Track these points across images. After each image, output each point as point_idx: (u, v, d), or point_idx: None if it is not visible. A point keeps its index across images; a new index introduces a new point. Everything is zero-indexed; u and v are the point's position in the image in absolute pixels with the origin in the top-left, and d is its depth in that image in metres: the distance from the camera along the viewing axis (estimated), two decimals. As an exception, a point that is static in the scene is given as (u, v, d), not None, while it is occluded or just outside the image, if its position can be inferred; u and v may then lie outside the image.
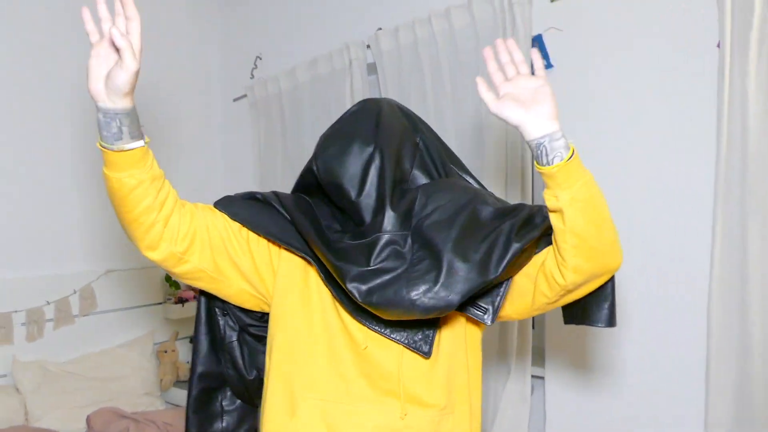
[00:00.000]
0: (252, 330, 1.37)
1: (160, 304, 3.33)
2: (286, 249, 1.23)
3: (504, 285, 1.17)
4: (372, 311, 1.10)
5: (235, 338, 1.38)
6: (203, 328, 1.38)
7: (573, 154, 1.01)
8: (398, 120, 1.26)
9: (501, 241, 1.08)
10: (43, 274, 2.84)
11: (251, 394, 1.40)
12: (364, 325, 1.15)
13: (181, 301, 3.29)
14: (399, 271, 1.10)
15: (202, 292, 1.34)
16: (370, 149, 1.18)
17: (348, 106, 2.83)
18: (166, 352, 3.24)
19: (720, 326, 1.88)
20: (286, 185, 3.23)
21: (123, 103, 1.01)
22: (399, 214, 1.15)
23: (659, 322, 2.08)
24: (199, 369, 1.37)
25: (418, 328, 1.16)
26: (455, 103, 2.48)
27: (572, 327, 2.22)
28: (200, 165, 3.62)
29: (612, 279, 1.15)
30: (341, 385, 1.15)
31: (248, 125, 3.50)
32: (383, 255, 1.12)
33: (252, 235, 1.23)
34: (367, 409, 1.14)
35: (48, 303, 2.82)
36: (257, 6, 3.49)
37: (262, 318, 1.36)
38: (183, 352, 3.42)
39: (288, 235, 1.19)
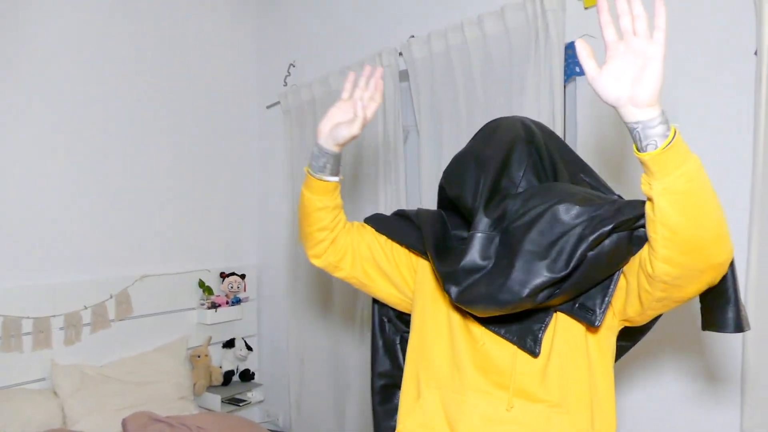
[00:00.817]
0: (406, 336, 1.57)
1: (194, 309, 3.37)
2: (417, 255, 1.43)
3: (611, 286, 1.17)
4: (465, 309, 1.20)
5: (398, 341, 1.60)
6: (377, 332, 1.61)
7: (671, 141, 0.96)
8: (512, 132, 1.32)
9: (574, 237, 1.10)
10: (80, 279, 2.90)
11: None
12: (480, 324, 1.25)
13: (214, 306, 3.34)
14: (485, 270, 1.18)
15: (374, 301, 1.60)
16: (483, 161, 1.29)
17: (379, 112, 2.84)
18: (199, 356, 3.28)
19: (756, 332, 1.84)
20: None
21: (335, 149, 1.35)
22: (492, 218, 1.23)
23: (695, 328, 2.03)
24: (378, 368, 1.59)
25: (529, 328, 1.21)
26: (487, 110, 2.46)
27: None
28: (235, 170, 3.66)
29: (731, 278, 1.10)
30: (457, 375, 1.26)
31: (281, 132, 3.53)
32: (474, 254, 1.20)
33: (395, 245, 1.46)
34: (477, 399, 1.23)
35: (85, 307, 2.88)
36: (292, 14, 3.53)
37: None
38: (216, 357, 3.46)
39: (420, 244, 1.38)
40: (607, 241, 1.10)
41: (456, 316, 1.30)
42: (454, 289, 1.18)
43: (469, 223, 1.31)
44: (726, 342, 1.97)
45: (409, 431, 1.31)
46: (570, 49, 2.27)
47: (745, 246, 1.88)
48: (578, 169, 1.33)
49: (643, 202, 1.07)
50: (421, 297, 1.39)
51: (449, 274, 1.21)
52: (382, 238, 1.47)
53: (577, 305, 1.19)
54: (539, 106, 2.26)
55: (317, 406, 3.30)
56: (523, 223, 1.16)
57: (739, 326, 1.13)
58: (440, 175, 2.61)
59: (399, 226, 1.45)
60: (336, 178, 1.37)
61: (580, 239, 1.09)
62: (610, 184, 2.10)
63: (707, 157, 1.99)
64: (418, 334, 1.37)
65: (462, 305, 1.18)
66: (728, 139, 1.95)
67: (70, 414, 2.62)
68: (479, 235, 1.21)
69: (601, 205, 1.12)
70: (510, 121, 1.36)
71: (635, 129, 0.98)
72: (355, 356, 3.07)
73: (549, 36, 2.24)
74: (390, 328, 1.60)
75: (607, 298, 1.17)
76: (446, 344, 1.30)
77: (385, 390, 1.59)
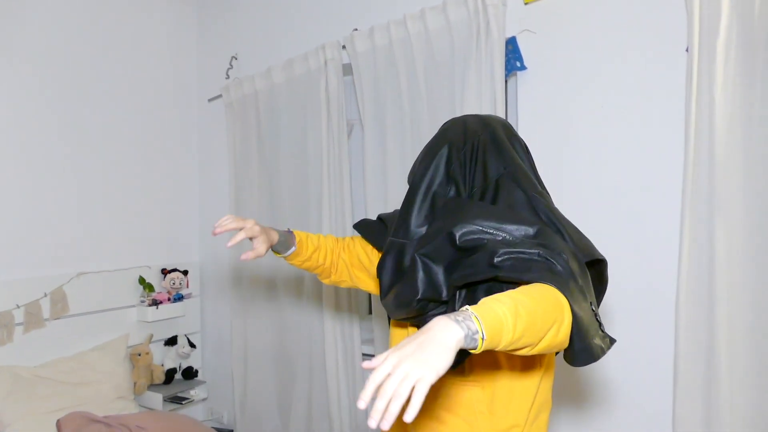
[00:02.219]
0: None
1: (134, 306, 3.29)
2: None
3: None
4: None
5: None
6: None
7: (481, 331, 0.86)
8: (449, 132, 1.38)
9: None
10: (12, 278, 2.79)
11: None
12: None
13: (156, 303, 3.26)
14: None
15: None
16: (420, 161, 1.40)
17: (323, 106, 2.83)
18: (140, 355, 3.21)
19: (687, 324, 1.92)
20: (260, 185, 3.22)
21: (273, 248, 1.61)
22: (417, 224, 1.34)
23: (628, 320, 2.10)
24: None
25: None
26: (430, 103, 2.48)
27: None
28: (176, 164, 3.58)
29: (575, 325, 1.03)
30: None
31: (223, 125, 3.48)
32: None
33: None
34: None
35: (18, 306, 2.78)
36: (234, 5, 3.47)
37: None
38: (157, 355, 3.39)
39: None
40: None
41: None
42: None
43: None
44: (659, 333, 2.04)
45: None
46: (511, 44, 2.31)
47: (676, 241, 1.95)
48: (507, 174, 1.30)
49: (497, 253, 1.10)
50: None
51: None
52: (369, 246, 1.65)
53: None
54: (481, 100, 2.29)
55: (262, 403, 3.27)
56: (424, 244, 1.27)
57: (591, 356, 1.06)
58: (384, 168, 2.63)
59: (379, 231, 1.59)
60: (292, 249, 1.60)
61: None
62: (550, 176, 2.16)
63: (639, 150, 2.06)
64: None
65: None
66: (660, 134, 2.02)
67: (3, 417, 2.52)
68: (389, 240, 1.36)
69: (470, 250, 1.17)
70: (453, 121, 1.43)
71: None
72: (300, 352, 3.05)
73: (490, 31, 2.27)
74: None
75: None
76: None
77: None
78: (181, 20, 3.63)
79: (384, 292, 1.32)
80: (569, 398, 2.24)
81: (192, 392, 3.39)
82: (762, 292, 1.81)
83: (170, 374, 3.34)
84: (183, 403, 3.29)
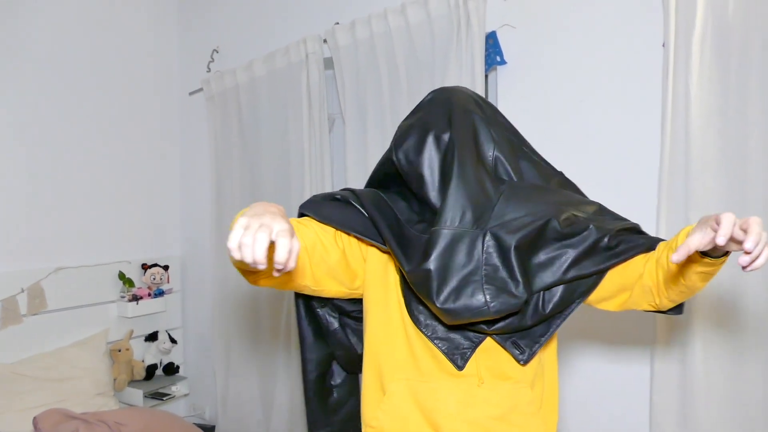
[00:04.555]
0: (354, 314, 1.49)
1: (114, 302, 3.26)
2: (369, 245, 1.30)
3: (549, 331, 1.23)
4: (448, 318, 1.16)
5: (337, 324, 1.49)
6: (305, 323, 1.49)
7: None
8: (469, 107, 1.30)
9: (553, 268, 1.19)
10: (-12, 273, 2.75)
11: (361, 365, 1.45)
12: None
13: (136, 298, 3.24)
14: (476, 275, 1.14)
15: (301, 296, 1.47)
16: (446, 138, 1.23)
17: (304, 100, 2.81)
18: (120, 351, 3.18)
19: (663, 317, 1.94)
20: (242, 178, 3.20)
21: None
22: (464, 211, 1.17)
23: (605, 317, 2.12)
24: (311, 356, 1.50)
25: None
26: (410, 97, 2.48)
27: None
28: (157, 157, 3.55)
29: None
30: (418, 366, 1.25)
31: (204, 119, 3.45)
32: (447, 253, 1.15)
33: (343, 236, 1.30)
34: (450, 384, 1.23)
35: (-6, 302, 2.74)
36: (214, -2, 3.45)
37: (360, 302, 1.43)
38: (138, 351, 3.36)
39: (372, 232, 1.25)
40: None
41: (405, 308, 1.27)
42: (438, 297, 1.12)
43: (421, 204, 1.27)
44: (637, 325, 2.06)
45: (383, 428, 1.28)
46: (491, 38, 2.31)
47: (653, 232, 1.97)
48: (521, 143, 1.42)
49: (611, 233, 1.20)
50: (373, 287, 1.32)
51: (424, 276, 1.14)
52: (328, 234, 1.27)
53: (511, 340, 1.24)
54: (461, 94, 2.29)
55: (244, 398, 3.26)
56: (521, 234, 1.15)
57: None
58: (366, 162, 2.63)
59: (342, 213, 1.28)
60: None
61: (559, 272, 1.19)
62: None
63: (617, 144, 2.08)
64: (373, 329, 1.31)
65: (447, 315, 1.13)
66: (637, 128, 2.04)
67: (-22, 414, 2.49)
68: (445, 232, 1.15)
69: (585, 235, 1.20)
70: (460, 95, 1.33)
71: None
72: (282, 346, 3.04)
73: (470, 25, 2.27)
74: (325, 312, 1.48)
75: (538, 345, 1.23)
76: (403, 334, 1.27)
77: (320, 377, 1.52)
78: (162, 13, 3.59)
79: (451, 293, 1.13)
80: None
81: (173, 388, 3.37)
82: (734, 282, 1.83)
83: (151, 370, 3.32)
84: (164, 399, 3.27)
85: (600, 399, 2.15)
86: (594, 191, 2.12)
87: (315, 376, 1.51)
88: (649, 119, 2.00)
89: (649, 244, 1.22)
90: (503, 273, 1.14)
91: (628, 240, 1.23)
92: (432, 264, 1.12)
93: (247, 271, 1.08)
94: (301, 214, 1.31)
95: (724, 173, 1.83)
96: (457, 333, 1.23)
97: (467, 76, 2.28)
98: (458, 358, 1.22)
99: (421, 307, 1.23)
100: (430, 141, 1.24)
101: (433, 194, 1.23)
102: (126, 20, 3.38)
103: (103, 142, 3.25)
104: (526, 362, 1.22)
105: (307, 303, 1.48)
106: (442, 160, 1.23)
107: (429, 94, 1.37)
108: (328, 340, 1.50)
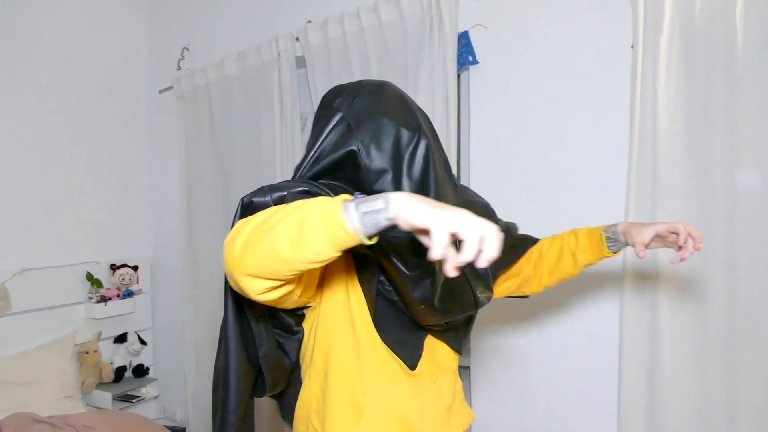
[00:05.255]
0: (290, 328, 1.27)
1: (82, 303, 3.20)
2: None
3: (473, 319, 1.41)
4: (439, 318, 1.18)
5: (267, 349, 1.22)
6: (233, 325, 1.20)
7: None
8: (417, 111, 1.26)
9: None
10: (-49, 274, 2.68)
11: (287, 381, 1.33)
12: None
13: (104, 299, 3.18)
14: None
15: (233, 299, 1.19)
16: (422, 142, 1.18)
17: (276, 99, 2.79)
18: (88, 353, 3.12)
19: (631, 312, 1.98)
20: (213, 178, 3.16)
21: None
22: None
23: (574, 313, 2.15)
24: (237, 370, 1.21)
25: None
26: (383, 98, 2.47)
27: (495, 318, 2.28)
28: (125, 156, 3.49)
29: None
30: (385, 371, 1.22)
31: (175, 117, 3.40)
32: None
33: None
34: (411, 386, 1.24)
35: (-43, 304, 2.67)
36: (184, -5, 3.40)
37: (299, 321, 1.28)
38: (107, 353, 3.31)
39: None
40: None
41: (366, 325, 1.20)
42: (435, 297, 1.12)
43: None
44: (603, 320, 2.09)
45: None
46: (463, 38, 2.32)
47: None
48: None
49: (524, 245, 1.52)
50: (334, 292, 1.21)
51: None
52: None
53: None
54: (433, 94, 2.29)
55: (215, 399, 3.22)
56: None
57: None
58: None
59: None
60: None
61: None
62: (502, 168, 2.24)
63: (586, 143, 2.10)
64: (337, 336, 1.21)
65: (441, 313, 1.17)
66: (606, 127, 2.07)
67: (-60, 419, 2.42)
68: None
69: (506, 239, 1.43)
70: (403, 94, 1.28)
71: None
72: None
73: (443, 25, 2.27)
74: (261, 327, 1.21)
75: (467, 334, 1.38)
76: (365, 340, 1.20)
77: (246, 405, 1.27)
78: (131, 9, 3.53)
79: (445, 292, 1.14)
80: (518, 387, 2.28)
81: (143, 390, 3.32)
82: (702, 278, 1.87)
83: (120, 372, 3.26)
84: (133, 401, 3.22)
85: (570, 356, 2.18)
86: (564, 190, 2.16)
87: (240, 392, 1.24)
88: (618, 119, 2.03)
89: (530, 241, 1.53)
90: (480, 272, 1.22)
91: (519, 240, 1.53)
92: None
93: (274, 279, 0.93)
94: (280, 200, 1.09)
95: (691, 171, 1.86)
96: (408, 334, 1.23)
97: (440, 75, 2.28)
98: (410, 358, 1.23)
99: (386, 311, 1.19)
100: (404, 140, 1.18)
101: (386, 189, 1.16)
102: (95, 16, 3.32)
103: (70, 140, 3.18)
104: (461, 350, 1.33)
105: (238, 310, 1.21)
106: (423, 168, 1.17)
107: (369, 82, 1.27)
108: (261, 358, 1.21)
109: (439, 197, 1.16)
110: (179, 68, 3.38)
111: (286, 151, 2.80)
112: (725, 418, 1.84)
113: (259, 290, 0.93)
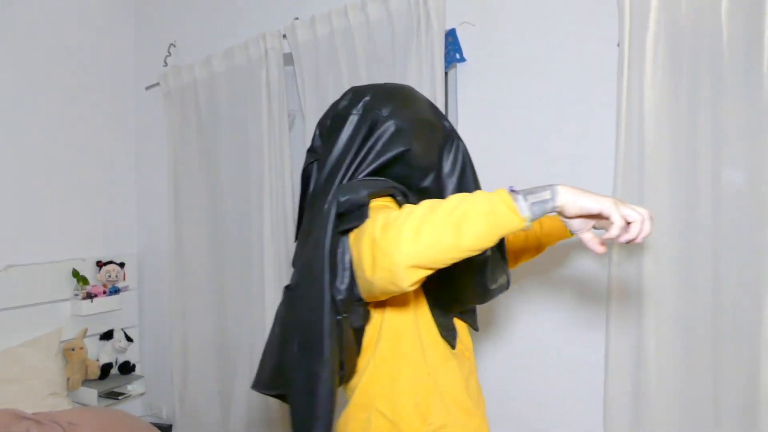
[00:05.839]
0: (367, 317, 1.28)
1: (68, 300, 3.18)
2: None
3: None
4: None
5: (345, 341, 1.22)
6: (328, 309, 1.13)
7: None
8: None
9: None
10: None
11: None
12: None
13: (90, 296, 3.17)
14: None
15: (331, 300, 1.13)
16: (451, 137, 1.31)
17: (264, 96, 2.79)
18: (73, 350, 3.11)
19: (618, 318, 2.00)
20: (201, 175, 3.16)
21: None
22: None
23: (560, 311, 2.16)
24: (328, 356, 1.15)
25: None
26: (371, 95, 2.48)
27: (480, 315, 2.29)
28: (112, 153, 3.48)
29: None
30: (435, 352, 1.29)
31: (161, 114, 3.39)
32: None
33: None
34: (453, 365, 1.32)
35: (-59, 301, 2.65)
36: (171, -9, 3.39)
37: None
38: (93, 350, 3.29)
39: None
40: None
41: (422, 310, 1.27)
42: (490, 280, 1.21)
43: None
44: (591, 321, 2.11)
45: (446, 425, 1.26)
46: (451, 36, 2.33)
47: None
48: None
49: None
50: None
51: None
52: None
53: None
54: (421, 91, 2.27)
55: (202, 397, 3.22)
56: None
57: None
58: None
59: None
60: None
61: None
62: (488, 165, 2.21)
63: (573, 140, 2.12)
64: (409, 324, 1.25)
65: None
66: (593, 125, 2.09)
67: (-77, 417, 2.40)
68: None
69: None
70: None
71: None
72: (241, 344, 3.02)
73: (430, 23, 2.28)
74: (342, 320, 1.17)
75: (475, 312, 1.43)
76: (425, 323, 1.28)
77: (333, 396, 1.19)
78: (118, 5, 3.51)
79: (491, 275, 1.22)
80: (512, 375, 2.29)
81: (129, 387, 3.31)
82: (687, 275, 1.89)
83: (106, 369, 3.25)
84: (119, 398, 3.21)
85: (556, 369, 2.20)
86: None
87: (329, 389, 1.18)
88: (605, 116, 2.04)
89: None
90: (503, 255, 1.23)
91: None
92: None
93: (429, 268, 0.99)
94: (373, 196, 1.16)
95: (676, 169, 1.88)
96: (445, 316, 1.30)
97: (427, 73, 2.29)
98: (452, 339, 1.31)
99: (429, 295, 1.27)
100: (441, 141, 1.29)
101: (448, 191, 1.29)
102: (80, 11, 3.30)
103: (56, 136, 3.17)
104: (478, 328, 1.41)
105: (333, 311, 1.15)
106: (462, 167, 1.29)
107: (396, 85, 1.37)
108: (341, 352, 1.21)
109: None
110: (166, 65, 3.37)
111: (273, 148, 2.80)
112: (711, 416, 1.86)
113: (414, 280, 0.99)
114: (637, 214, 0.97)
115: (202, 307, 3.20)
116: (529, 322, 2.25)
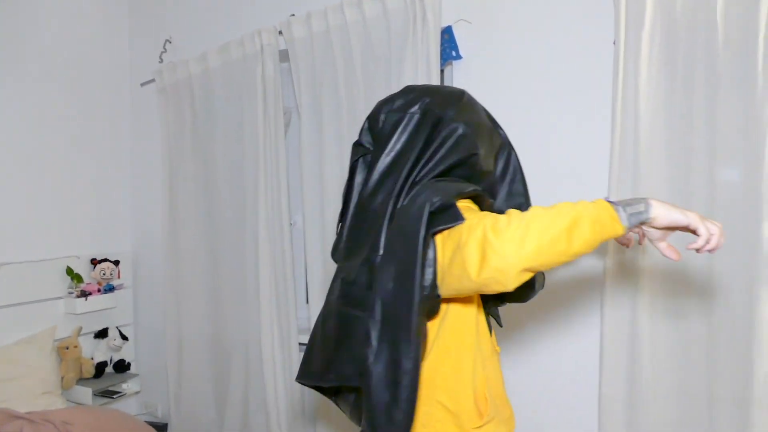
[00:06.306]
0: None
1: (62, 298, 3.17)
2: None
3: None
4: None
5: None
6: (415, 336, 1.14)
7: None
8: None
9: None
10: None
11: None
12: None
13: (85, 294, 3.15)
14: None
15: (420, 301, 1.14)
16: (506, 145, 1.47)
17: (259, 92, 2.77)
18: (68, 348, 3.09)
19: (612, 316, 2.00)
20: (195, 172, 3.14)
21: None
22: None
23: (555, 310, 2.16)
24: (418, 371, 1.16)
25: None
26: (367, 91, 2.47)
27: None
28: (106, 150, 3.46)
29: None
30: (487, 345, 1.35)
31: (156, 110, 3.37)
32: None
33: None
34: (496, 361, 1.38)
35: (-67, 299, 2.63)
36: (166, -13, 3.37)
37: None
38: (87, 348, 3.28)
39: None
40: None
41: (481, 305, 1.34)
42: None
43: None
44: (584, 320, 2.10)
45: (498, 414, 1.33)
46: (447, 33, 2.32)
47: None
48: None
49: None
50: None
51: None
52: None
53: None
54: (417, 88, 2.29)
55: (197, 395, 3.21)
56: None
57: None
58: (321, 156, 2.60)
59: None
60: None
61: None
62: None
63: (569, 137, 2.11)
64: (469, 317, 1.28)
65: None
66: (588, 123, 2.08)
67: None
68: None
69: None
70: None
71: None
72: (236, 342, 3.01)
73: (426, 20, 2.27)
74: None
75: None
76: (481, 318, 1.33)
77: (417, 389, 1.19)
78: (112, 1, 3.49)
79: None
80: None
81: (124, 386, 3.29)
82: (681, 273, 1.89)
83: (100, 368, 3.24)
84: (114, 397, 3.20)
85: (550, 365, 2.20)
86: (546, 184, 2.16)
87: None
88: (600, 114, 2.04)
89: None
90: None
91: None
92: None
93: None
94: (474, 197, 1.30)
95: (671, 163, 1.88)
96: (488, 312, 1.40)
97: (423, 70, 2.28)
98: (491, 333, 1.38)
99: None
100: (497, 147, 1.42)
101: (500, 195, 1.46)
102: (76, 6, 3.28)
103: (50, 133, 3.14)
104: (501, 323, 1.50)
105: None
106: (513, 173, 1.46)
107: (461, 90, 1.37)
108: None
109: (527, 197, 1.47)
110: (161, 61, 3.35)
111: (269, 144, 2.78)
112: (706, 412, 1.86)
113: (521, 282, 1.04)
114: (716, 227, 1.08)
115: (197, 305, 3.19)
116: (523, 322, 2.24)
